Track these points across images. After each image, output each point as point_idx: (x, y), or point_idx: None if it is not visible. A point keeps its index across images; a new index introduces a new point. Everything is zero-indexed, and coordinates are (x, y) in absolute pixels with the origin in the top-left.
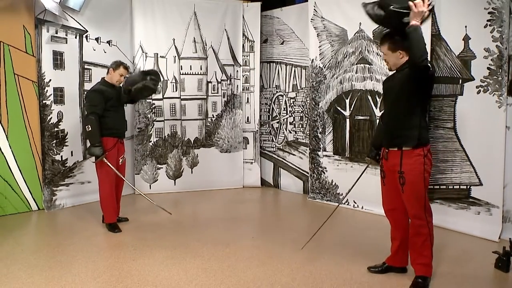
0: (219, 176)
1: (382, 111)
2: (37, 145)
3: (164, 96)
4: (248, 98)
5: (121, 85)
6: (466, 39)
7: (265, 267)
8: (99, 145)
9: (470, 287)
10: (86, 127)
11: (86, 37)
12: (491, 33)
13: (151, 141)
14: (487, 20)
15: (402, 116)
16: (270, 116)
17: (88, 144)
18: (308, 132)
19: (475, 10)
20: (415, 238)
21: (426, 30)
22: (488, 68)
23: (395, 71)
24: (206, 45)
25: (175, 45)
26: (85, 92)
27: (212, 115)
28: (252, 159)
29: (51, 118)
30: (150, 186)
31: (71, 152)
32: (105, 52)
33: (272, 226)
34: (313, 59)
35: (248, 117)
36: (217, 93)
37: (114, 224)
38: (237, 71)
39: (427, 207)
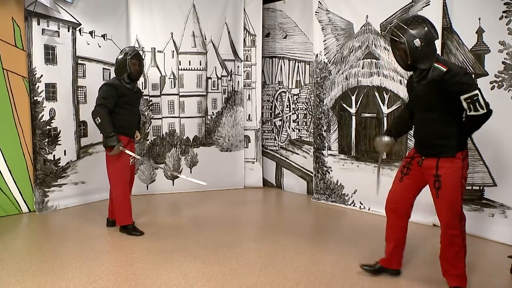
0: (220, 176)
1: (414, 115)
2: (28, 144)
3: (162, 93)
4: (249, 94)
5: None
6: (480, 32)
7: (268, 271)
8: (113, 135)
9: None
10: (96, 119)
11: (80, 30)
12: (507, 25)
13: (148, 140)
14: (503, 12)
15: (438, 125)
16: (273, 113)
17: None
18: (312, 130)
19: (490, 1)
20: (447, 249)
21: (437, 23)
22: (503, 63)
23: (418, 74)
24: (205, 39)
25: (173, 39)
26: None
27: (212, 112)
28: (254, 159)
29: (43, 115)
30: (147, 186)
31: (64, 151)
32: (99, 47)
33: (275, 228)
34: (317, 54)
35: (249, 114)
36: (217, 89)
37: (132, 226)
38: (238, 66)
39: (462, 215)
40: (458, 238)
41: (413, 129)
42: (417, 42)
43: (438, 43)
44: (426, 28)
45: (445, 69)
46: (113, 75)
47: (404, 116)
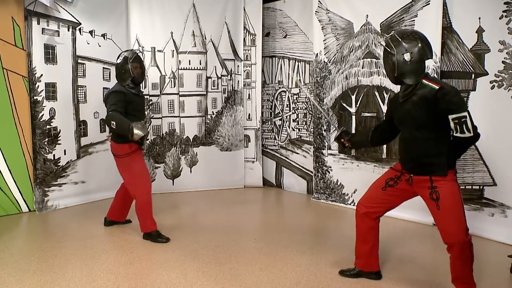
0: (220, 176)
1: (401, 133)
2: (28, 143)
3: (162, 92)
4: (249, 94)
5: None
6: (480, 31)
7: (268, 271)
8: (132, 126)
9: None
10: (111, 124)
11: (80, 30)
12: (507, 24)
13: (148, 139)
14: (503, 11)
15: (428, 143)
16: (273, 113)
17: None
18: (312, 130)
19: (490, 0)
20: (458, 260)
21: (437, 22)
22: (503, 62)
23: (404, 90)
24: (205, 38)
25: (173, 39)
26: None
27: (212, 112)
28: (254, 158)
29: (43, 115)
30: None
31: (64, 150)
32: (99, 46)
33: (275, 228)
34: (317, 54)
35: (249, 114)
36: (217, 89)
37: (156, 232)
38: (238, 66)
39: (467, 227)
40: (467, 249)
41: (398, 147)
42: (407, 56)
43: (438, 43)
44: (419, 45)
45: (437, 87)
46: (113, 74)
47: (382, 129)
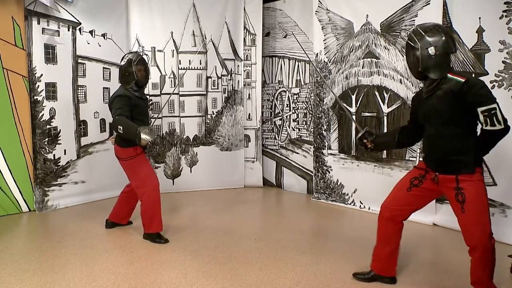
0: (220, 176)
1: (426, 130)
2: (28, 143)
3: (162, 92)
4: (249, 94)
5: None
6: (480, 31)
7: (268, 270)
8: (139, 130)
9: None
10: (118, 129)
11: (80, 29)
12: (507, 24)
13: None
14: (503, 11)
15: (455, 140)
16: (273, 113)
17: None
18: (312, 130)
19: (490, 0)
20: (477, 264)
21: (437, 22)
22: (503, 62)
23: (428, 85)
24: (205, 38)
25: (173, 39)
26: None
27: (212, 111)
28: (254, 158)
29: (43, 115)
30: None
31: (64, 150)
32: (99, 46)
33: (275, 228)
34: (317, 53)
35: (249, 114)
36: (217, 88)
37: (159, 233)
38: (238, 65)
39: (491, 231)
40: (489, 253)
41: (423, 144)
42: (431, 50)
43: None
44: (443, 38)
45: (463, 80)
46: (113, 74)
47: (409, 129)
